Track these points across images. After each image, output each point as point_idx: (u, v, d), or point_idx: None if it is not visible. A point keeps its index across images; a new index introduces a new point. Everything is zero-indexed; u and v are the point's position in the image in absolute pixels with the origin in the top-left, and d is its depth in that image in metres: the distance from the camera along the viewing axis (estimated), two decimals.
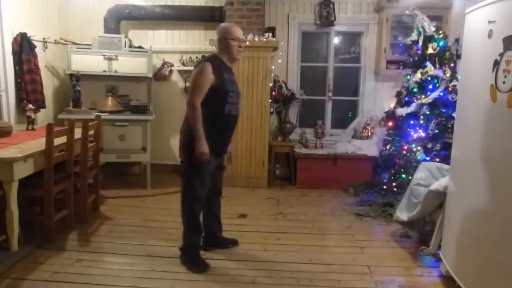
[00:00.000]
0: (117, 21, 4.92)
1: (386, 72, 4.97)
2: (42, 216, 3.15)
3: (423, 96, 4.13)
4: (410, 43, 4.38)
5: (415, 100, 4.18)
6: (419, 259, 2.97)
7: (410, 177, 3.65)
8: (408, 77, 4.33)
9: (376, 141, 4.86)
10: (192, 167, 2.70)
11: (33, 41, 4.18)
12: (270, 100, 4.71)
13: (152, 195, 4.41)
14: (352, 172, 4.74)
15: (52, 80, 4.85)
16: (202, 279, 2.63)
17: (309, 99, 5.28)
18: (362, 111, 5.27)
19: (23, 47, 4.02)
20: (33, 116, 3.77)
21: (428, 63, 4.12)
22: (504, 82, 1.98)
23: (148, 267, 2.76)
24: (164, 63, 5.17)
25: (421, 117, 4.11)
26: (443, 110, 4.05)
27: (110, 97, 4.74)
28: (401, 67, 4.78)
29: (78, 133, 3.38)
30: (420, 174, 3.27)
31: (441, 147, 3.99)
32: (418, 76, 4.18)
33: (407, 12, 4.37)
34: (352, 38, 5.38)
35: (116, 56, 4.64)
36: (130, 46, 4.77)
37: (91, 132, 3.66)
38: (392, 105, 4.67)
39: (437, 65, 4.11)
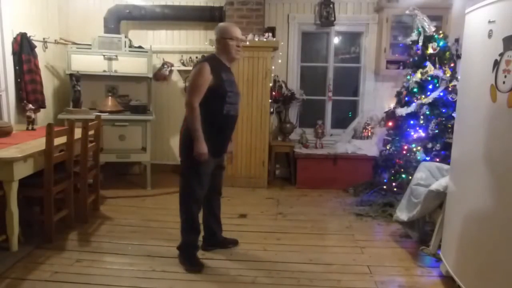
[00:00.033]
0: (117, 21, 4.92)
1: (386, 72, 4.97)
2: (42, 216, 3.15)
3: (423, 96, 4.13)
4: (410, 43, 4.38)
5: (415, 100, 4.18)
6: (419, 259, 2.97)
7: (410, 177, 3.65)
8: (408, 77, 4.33)
9: (376, 141, 4.86)
10: (191, 167, 2.70)
11: (33, 41, 4.18)
12: (270, 100, 4.71)
13: (152, 195, 4.41)
14: (352, 172, 4.74)
15: (52, 80, 4.85)
16: (202, 279, 2.63)
17: (309, 99, 5.28)
18: (362, 111, 5.27)
19: (23, 47, 4.02)
20: (33, 116, 3.77)
21: (428, 63, 4.12)
22: (504, 82, 1.98)
23: (148, 267, 2.76)
24: (164, 63, 5.17)
25: (421, 117, 4.11)
26: (443, 110, 4.05)
27: (110, 97, 4.74)
28: (401, 67, 4.78)
29: (78, 133, 3.38)
30: (420, 174, 3.27)
31: (441, 147, 3.99)
32: (418, 76, 4.18)
33: (407, 12, 4.37)
34: (352, 38, 5.38)
35: (116, 56, 4.64)
36: (130, 46, 4.77)
37: (91, 132, 3.66)
38: (392, 105, 4.67)
39: (437, 65, 4.11)
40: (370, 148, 4.81)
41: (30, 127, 3.70)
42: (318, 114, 5.32)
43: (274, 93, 4.94)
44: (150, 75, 4.86)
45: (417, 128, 4.13)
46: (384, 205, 4.01)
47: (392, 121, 4.54)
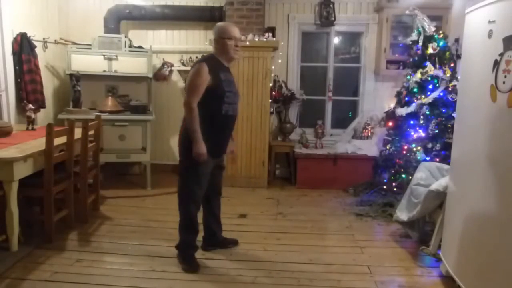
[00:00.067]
0: (117, 21, 4.92)
1: (386, 72, 4.97)
2: (42, 216, 3.15)
3: (423, 96, 4.13)
4: (410, 43, 4.38)
5: (415, 100, 4.18)
6: (419, 259, 2.97)
7: (410, 177, 3.65)
8: (408, 77, 4.33)
9: (376, 141, 4.86)
10: (190, 167, 2.69)
11: (33, 41, 4.18)
12: (270, 100, 4.71)
13: (152, 195, 4.41)
14: (352, 172, 4.74)
15: (52, 80, 4.85)
16: (202, 279, 2.63)
17: (309, 99, 5.28)
18: (362, 111, 5.27)
19: (23, 47, 4.02)
20: (33, 116, 3.77)
21: (428, 63, 4.12)
22: (504, 82, 1.98)
23: (148, 267, 2.76)
24: (164, 63, 5.17)
25: (421, 117, 4.11)
26: (443, 110, 4.05)
27: (110, 97, 4.74)
28: (401, 67, 4.78)
29: (78, 133, 3.38)
30: (420, 174, 3.27)
31: (441, 147, 3.99)
32: (418, 76, 4.18)
33: (407, 12, 4.37)
34: (352, 38, 5.38)
35: (116, 56, 4.64)
36: (130, 46, 4.77)
37: (91, 132, 3.66)
38: (392, 105, 4.67)
39: (437, 65, 4.11)
40: (370, 148, 4.81)
41: (30, 127, 3.70)
42: (318, 114, 5.32)
43: (274, 93, 4.94)
44: (150, 75, 4.86)
45: (417, 128, 4.13)
46: (384, 205, 4.01)
47: (392, 121, 4.54)
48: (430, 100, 4.08)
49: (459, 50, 4.03)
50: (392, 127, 4.52)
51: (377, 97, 5.20)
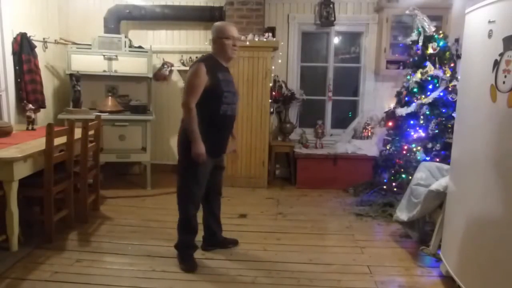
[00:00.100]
0: (117, 21, 4.92)
1: (386, 72, 4.97)
2: (42, 216, 3.15)
3: (423, 96, 4.13)
4: (410, 43, 4.38)
5: (415, 100, 4.18)
6: (419, 259, 2.97)
7: (410, 177, 3.65)
8: (408, 77, 4.33)
9: (376, 141, 4.86)
10: (188, 167, 2.69)
11: (33, 41, 4.18)
12: (270, 100, 4.71)
13: (152, 195, 4.41)
14: (352, 172, 4.74)
15: (52, 80, 4.85)
16: (202, 279, 2.63)
17: (309, 99, 5.28)
18: (362, 111, 5.27)
19: (23, 47, 4.02)
20: (33, 116, 3.77)
21: (428, 63, 4.12)
22: (504, 82, 1.98)
23: (148, 267, 2.76)
24: (164, 63, 5.17)
25: (421, 117, 4.11)
26: (443, 110, 4.05)
27: (110, 97, 4.74)
28: (401, 67, 4.78)
29: (78, 133, 3.38)
30: (420, 174, 3.27)
31: (441, 147, 3.99)
32: (418, 76, 4.18)
33: (407, 12, 4.37)
34: (352, 38, 5.38)
35: (116, 56, 4.64)
36: (130, 46, 4.77)
37: (91, 132, 3.66)
38: (392, 105, 4.67)
39: (437, 65, 4.11)
40: (370, 148, 4.81)
41: (30, 127, 3.70)
42: (318, 114, 5.32)
43: (274, 93, 4.94)
44: (150, 75, 4.86)
45: (417, 128, 4.13)
46: (384, 205, 4.01)
47: (392, 121, 4.54)
48: (430, 100, 4.08)
49: (459, 50, 4.03)
50: (392, 127, 4.52)
51: (377, 97, 5.20)
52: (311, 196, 4.59)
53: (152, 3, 5.00)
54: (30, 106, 3.80)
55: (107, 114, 4.49)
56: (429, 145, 4.05)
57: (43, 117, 4.52)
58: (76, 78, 4.46)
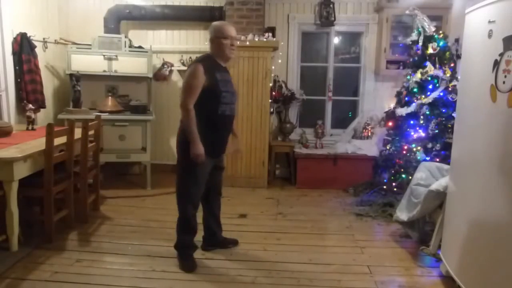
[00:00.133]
0: (117, 21, 4.92)
1: (386, 72, 4.97)
2: (42, 216, 3.15)
3: (423, 96, 4.13)
4: (410, 43, 4.38)
5: (415, 100, 4.18)
6: (419, 259, 2.97)
7: (410, 177, 3.65)
8: (408, 77, 4.33)
9: (376, 141, 4.86)
10: (187, 168, 2.69)
11: (33, 41, 4.18)
12: (270, 100, 4.71)
13: (152, 195, 4.41)
14: (352, 172, 4.74)
15: (52, 80, 4.85)
16: (202, 279, 2.63)
17: (309, 99, 5.28)
18: (362, 111, 5.27)
19: (23, 47, 4.02)
20: (33, 116, 3.77)
21: (428, 63, 4.12)
22: (504, 82, 1.98)
23: (148, 267, 2.76)
24: (164, 63, 5.17)
25: (421, 117, 4.11)
26: (443, 110, 4.05)
27: (110, 97, 4.74)
28: (401, 67, 4.78)
29: (78, 133, 3.38)
30: (420, 174, 3.27)
31: (441, 147, 3.99)
32: (418, 76, 4.18)
33: (407, 12, 4.37)
34: (352, 38, 5.38)
35: (116, 56, 4.64)
36: (130, 46, 4.77)
37: (91, 132, 3.66)
38: (392, 105, 4.67)
39: (437, 65, 4.11)
40: (370, 148, 4.81)
41: (30, 127, 3.70)
42: (318, 114, 5.32)
43: (274, 93, 4.94)
44: (150, 75, 4.86)
45: (417, 128, 4.13)
46: (384, 205, 4.02)
47: (392, 121, 4.54)
48: (430, 100, 4.08)
49: (459, 50, 4.03)
50: (392, 127, 4.52)
51: (377, 97, 5.21)
52: (311, 196, 4.59)
53: (152, 3, 5.00)
54: (30, 106, 3.80)
55: (107, 114, 4.49)
56: (429, 145, 4.05)
57: (43, 117, 4.52)
58: (76, 78, 4.46)
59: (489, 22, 2.13)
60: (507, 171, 1.98)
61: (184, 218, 2.77)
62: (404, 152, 4.17)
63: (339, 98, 5.39)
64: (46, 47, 4.60)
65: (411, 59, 4.36)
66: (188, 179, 2.72)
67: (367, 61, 5.22)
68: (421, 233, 3.23)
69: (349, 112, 5.44)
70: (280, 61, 5.19)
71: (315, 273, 2.74)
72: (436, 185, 2.85)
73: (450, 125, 3.90)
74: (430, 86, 4.12)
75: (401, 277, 2.74)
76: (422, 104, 4.11)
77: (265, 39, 4.58)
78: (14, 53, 3.99)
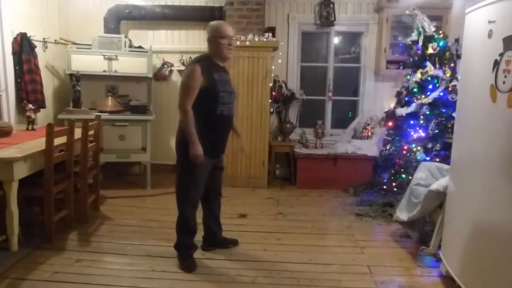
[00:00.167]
0: (117, 21, 4.92)
1: (386, 72, 4.97)
2: (42, 216, 3.15)
3: (423, 96, 4.13)
4: (410, 43, 4.38)
5: (415, 100, 4.18)
6: (419, 259, 2.97)
7: (410, 177, 3.65)
8: (408, 77, 4.33)
9: (376, 141, 4.86)
10: (186, 168, 2.68)
11: (33, 41, 4.18)
12: (270, 100, 4.71)
13: (152, 195, 4.41)
14: (352, 172, 4.74)
15: (52, 80, 4.85)
16: (202, 279, 2.63)
17: (309, 99, 5.28)
18: (362, 111, 5.27)
19: (23, 47, 4.02)
20: (33, 116, 3.77)
21: (428, 63, 4.12)
22: (504, 82, 1.98)
23: (148, 267, 2.76)
24: (164, 63, 5.17)
25: (421, 117, 4.11)
26: (443, 110, 4.05)
27: (110, 97, 4.74)
28: (401, 67, 4.78)
29: (78, 133, 3.38)
30: (420, 174, 3.27)
31: (441, 147, 3.99)
32: (418, 76, 4.18)
33: (407, 12, 4.37)
34: (352, 38, 5.38)
35: (116, 56, 4.64)
36: (130, 46, 4.77)
37: (91, 132, 3.66)
38: (392, 105, 4.67)
39: (437, 65, 4.11)
40: (370, 148, 4.81)
41: (30, 127, 3.70)
42: (318, 114, 5.32)
43: (274, 93, 4.94)
44: (150, 75, 4.86)
45: (417, 128, 4.13)
46: (384, 205, 4.01)
47: (392, 121, 4.54)
48: (430, 100, 4.08)
49: (459, 50, 4.03)
50: (392, 127, 4.52)
51: (377, 97, 5.21)
52: (311, 196, 4.59)
53: (152, 3, 5.00)
54: (30, 106, 3.80)
55: (107, 114, 4.49)
56: (429, 145, 4.05)
57: (43, 117, 4.52)
58: (76, 78, 4.46)
59: (489, 22, 2.13)
60: (507, 171, 1.98)
61: (183, 218, 2.77)
62: (404, 152, 4.17)
63: (339, 98, 5.39)
64: (46, 47, 4.60)
65: (411, 59, 4.36)
66: (187, 179, 2.72)
67: (367, 61, 5.22)
68: (421, 233, 3.23)
69: (349, 112, 5.44)
70: (280, 61, 5.19)
71: (315, 273, 2.74)
72: (436, 185, 2.85)
73: (450, 125, 3.90)
74: (430, 86, 4.12)
75: (401, 277, 2.74)
76: (422, 104, 4.11)
77: (265, 39, 4.58)
78: (14, 53, 4.00)
